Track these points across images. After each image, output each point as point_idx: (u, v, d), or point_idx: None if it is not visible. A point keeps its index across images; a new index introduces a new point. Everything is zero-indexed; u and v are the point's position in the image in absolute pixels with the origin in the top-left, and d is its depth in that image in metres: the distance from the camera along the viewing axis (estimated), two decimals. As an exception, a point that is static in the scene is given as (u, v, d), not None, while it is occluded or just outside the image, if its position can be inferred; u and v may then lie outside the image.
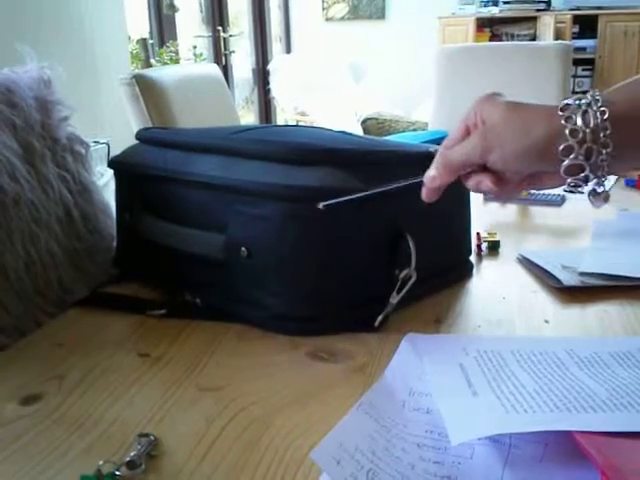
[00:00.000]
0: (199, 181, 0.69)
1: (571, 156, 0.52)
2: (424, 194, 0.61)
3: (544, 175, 0.58)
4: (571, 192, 0.55)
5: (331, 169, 0.64)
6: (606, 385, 0.51)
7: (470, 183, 0.59)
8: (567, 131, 0.52)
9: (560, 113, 0.52)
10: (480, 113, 0.57)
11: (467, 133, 0.58)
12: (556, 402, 0.48)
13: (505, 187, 0.58)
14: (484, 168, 0.58)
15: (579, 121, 0.52)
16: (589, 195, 0.56)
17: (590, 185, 0.55)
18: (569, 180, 0.54)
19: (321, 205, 0.61)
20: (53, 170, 0.79)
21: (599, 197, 0.56)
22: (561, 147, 0.52)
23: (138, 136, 0.81)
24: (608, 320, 0.67)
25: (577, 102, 0.53)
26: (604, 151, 0.52)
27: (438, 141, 1.97)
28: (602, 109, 0.51)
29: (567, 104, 0.53)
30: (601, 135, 0.51)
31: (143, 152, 0.78)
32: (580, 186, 0.54)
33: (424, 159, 0.72)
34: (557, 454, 0.44)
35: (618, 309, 0.70)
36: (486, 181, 0.57)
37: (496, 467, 0.44)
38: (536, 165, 0.56)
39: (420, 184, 0.62)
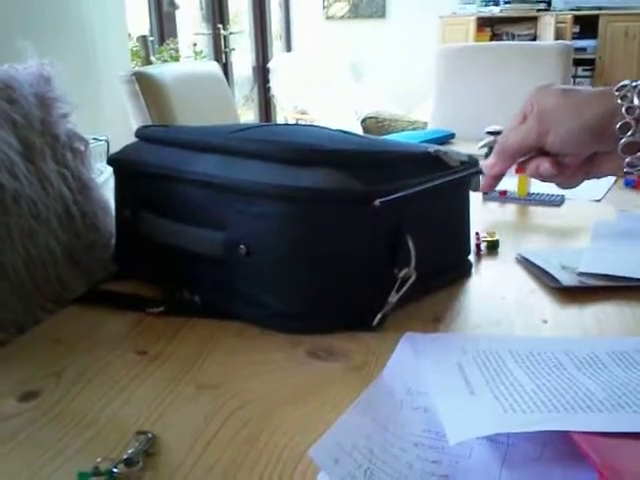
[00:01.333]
0: (198, 180, 0.69)
1: (628, 133, 0.54)
2: (484, 183, 0.63)
3: (602, 159, 0.59)
4: (630, 174, 0.57)
5: (330, 170, 0.64)
6: (604, 385, 0.51)
7: (530, 167, 0.61)
8: (624, 109, 0.54)
9: (616, 93, 0.55)
10: (536, 101, 0.59)
11: (524, 121, 0.60)
12: (554, 402, 0.48)
13: (564, 172, 0.60)
14: (542, 154, 0.59)
15: (636, 100, 0.54)
16: None
17: None
18: (627, 160, 0.55)
19: (377, 202, 0.61)
20: (52, 167, 0.79)
21: None
22: (618, 125, 0.54)
23: (137, 134, 0.81)
24: (606, 320, 0.68)
25: (633, 83, 0.55)
26: None
27: (438, 140, 1.97)
28: None
29: (623, 85, 0.55)
30: None
31: (142, 150, 0.78)
32: (638, 166, 0.56)
33: (423, 159, 0.72)
34: (555, 454, 0.44)
35: (616, 310, 0.70)
36: (545, 164, 0.59)
37: (494, 466, 0.44)
38: (592, 145, 0.57)
39: (421, 184, 0.63)
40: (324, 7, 5.16)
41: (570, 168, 0.60)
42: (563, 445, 0.44)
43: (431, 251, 0.68)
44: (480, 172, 0.72)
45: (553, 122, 0.57)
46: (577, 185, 0.64)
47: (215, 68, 2.10)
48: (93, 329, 0.68)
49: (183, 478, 0.44)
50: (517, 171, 0.67)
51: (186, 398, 0.54)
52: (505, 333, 0.66)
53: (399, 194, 0.62)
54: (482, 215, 1.06)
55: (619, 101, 0.54)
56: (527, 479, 0.42)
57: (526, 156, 0.60)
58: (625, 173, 0.58)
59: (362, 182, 0.64)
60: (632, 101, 0.54)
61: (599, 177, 0.64)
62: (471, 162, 0.75)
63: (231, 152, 0.69)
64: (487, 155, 1.45)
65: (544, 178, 0.62)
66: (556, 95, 0.58)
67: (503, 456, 0.44)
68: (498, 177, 0.63)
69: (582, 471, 0.41)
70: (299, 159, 0.65)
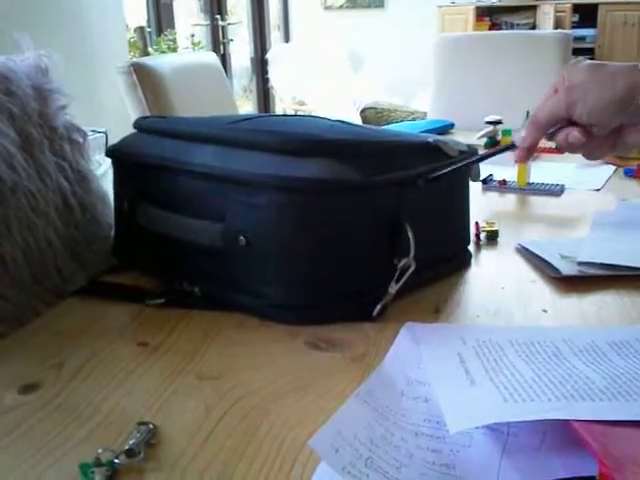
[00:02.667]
0: (196, 171, 0.69)
1: None
2: (516, 156, 0.67)
3: (628, 131, 0.63)
4: None
5: (329, 160, 0.64)
6: (604, 374, 0.51)
7: (560, 137, 0.64)
8: None
9: None
10: (567, 75, 0.63)
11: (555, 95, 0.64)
12: (554, 391, 0.48)
13: (591, 142, 0.63)
14: (571, 124, 0.63)
15: None
16: None
17: None
18: None
19: (421, 182, 0.66)
20: (51, 159, 0.79)
21: None
22: None
23: (136, 125, 0.81)
24: (606, 309, 0.68)
25: None
26: None
27: (437, 130, 1.96)
28: None
29: None
30: None
31: (141, 141, 0.78)
32: None
33: (423, 149, 0.72)
34: (555, 442, 0.44)
35: (616, 299, 0.70)
36: (574, 132, 0.63)
37: (494, 455, 0.44)
38: (618, 116, 0.61)
39: (420, 174, 0.64)
40: (322, -3, 5.13)
41: (597, 139, 0.63)
42: (563, 434, 0.44)
43: (431, 241, 0.68)
44: (479, 160, 0.73)
45: (581, 94, 0.61)
46: (603, 156, 0.68)
47: (213, 59, 2.09)
48: (93, 321, 0.68)
49: (184, 468, 0.44)
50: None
51: (187, 389, 0.54)
52: (505, 323, 0.66)
53: (444, 170, 0.67)
54: (482, 205, 1.06)
55: None
56: (527, 468, 0.42)
57: (556, 127, 0.64)
58: None
59: (361, 172, 0.63)
60: None
61: (625, 150, 0.68)
62: (470, 152, 0.75)
63: (229, 143, 0.68)
64: (487, 145, 1.44)
65: (572, 148, 0.65)
66: (585, 69, 0.62)
67: (503, 445, 0.45)
68: (531, 149, 0.66)
69: (582, 460, 0.42)
70: (297, 149, 0.64)
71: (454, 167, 0.70)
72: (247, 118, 0.77)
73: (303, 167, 0.63)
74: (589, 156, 0.67)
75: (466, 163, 0.72)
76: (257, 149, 0.66)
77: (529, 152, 0.66)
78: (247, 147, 0.67)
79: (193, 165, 0.69)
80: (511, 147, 0.67)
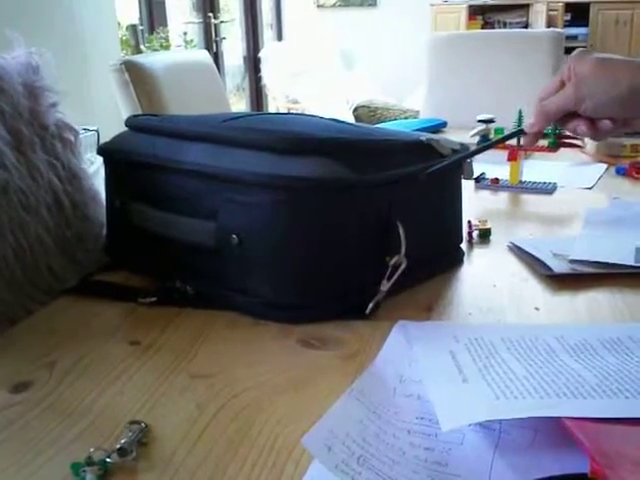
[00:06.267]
0: (188, 169, 0.68)
1: None
2: (525, 140, 0.73)
3: (635, 122, 0.68)
4: None
5: (322, 159, 0.63)
6: (595, 372, 0.51)
7: (569, 126, 0.70)
8: None
9: None
10: (573, 67, 0.67)
11: (561, 86, 0.69)
12: (546, 388, 0.48)
13: (599, 130, 0.68)
14: (577, 114, 0.68)
15: None
16: None
17: None
18: None
19: (414, 179, 0.68)
20: (42, 157, 0.79)
21: None
22: None
23: (127, 123, 0.81)
24: (598, 307, 0.68)
25: None
26: None
27: (430, 129, 1.97)
28: None
29: None
30: None
31: (132, 139, 0.78)
32: None
33: (416, 147, 0.72)
34: (547, 440, 0.44)
35: (608, 296, 0.70)
36: (582, 126, 0.68)
37: (486, 453, 0.44)
38: (624, 112, 0.66)
39: (412, 172, 0.64)
40: (315, -5, 5.12)
41: (605, 128, 0.68)
42: (555, 431, 0.44)
43: (423, 239, 0.68)
44: (473, 155, 0.75)
45: (588, 92, 0.65)
46: (608, 136, 0.73)
47: (206, 57, 2.09)
48: (85, 320, 0.67)
49: (176, 467, 0.44)
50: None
51: (179, 388, 0.54)
52: (497, 321, 0.66)
53: (443, 163, 0.69)
54: (474, 203, 1.06)
55: None
56: (519, 465, 0.42)
57: (561, 116, 0.69)
58: None
59: (354, 170, 0.63)
60: None
61: (632, 131, 0.71)
62: (463, 150, 0.75)
63: (222, 141, 0.68)
64: (479, 143, 1.45)
65: (580, 135, 0.71)
66: (593, 64, 0.66)
67: (495, 442, 0.45)
68: (537, 135, 0.71)
69: (574, 457, 0.42)
70: (291, 148, 0.64)
71: (453, 159, 0.71)
72: (240, 116, 0.77)
73: (295, 165, 0.63)
74: (596, 139, 0.73)
75: (464, 156, 0.73)
76: (250, 147, 0.66)
77: (537, 138, 0.72)
78: (240, 145, 0.67)
79: (185, 163, 0.69)
80: (520, 132, 0.73)
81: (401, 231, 0.65)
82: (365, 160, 0.66)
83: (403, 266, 0.65)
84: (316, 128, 0.72)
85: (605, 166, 1.30)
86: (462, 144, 0.76)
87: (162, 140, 0.73)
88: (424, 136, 0.73)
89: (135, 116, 0.84)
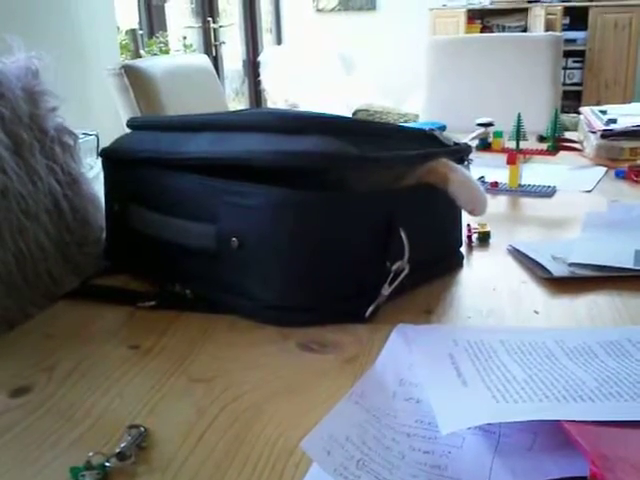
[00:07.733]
0: (193, 159, 0.68)
1: None
2: None
3: None
4: None
5: (328, 137, 0.64)
6: (595, 375, 0.51)
7: None
8: None
9: None
10: None
11: None
12: (545, 392, 0.48)
13: None
14: None
15: None
16: None
17: None
18: None
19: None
20: (42, 161, 0.79)
21: None
22: None
23: (129, 123, 0.81)
24: (597, 310, 0.68)
25: None
26: None
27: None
28: None
29: None
30: None
31: (135, 138, 0.78)
32: None
33: (419, 135, 0.72)
34: (546, 443, 0.44)
35: (607, 299, 0.70)
36: None
37: (486, 456, 0.44)
38: None
39: (416, 156, 0.67)
40: (314, 0, 5.14)
41: None
42: (555, 434, 0.44)
43: (423, 243, 0.68)
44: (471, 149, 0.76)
45: None
46: None
47: (205, 61, 2.09)
48: (84, 324, 0.67)
49: (176, 471, 0.44)
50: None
51: (178, 392, 0.54)
52: (497, 324, 0.66)
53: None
54: (473, 207, 1.06)
55: None
56: (519, 468, 0.42)
57: None
58: None
59: (358, 148, 0.64)
60: None
61: None
62: (464, 146, 0.76)
63: (226, 127, 0.69)
64: (478, 147, 1.45)
65: None
66: None
67: (495, 446, 0.45)
68: None
69: (574, 460, 0.42)
70: (296, 128, 0.65)
71: (450, 149, 0.71)
72: (243, 110, 0.78)
73: (301, 143, 0.63)
74: None
75: (461, 147, 0.73)
76: (255, 130, 0.66)
77: None
78: (244, 129, 0.67)
79: (189, 154, 0.69)
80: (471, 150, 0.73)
81: (404, 237, 0.65)
82: (370, 140, 0.66)
83: (406, 271, 0.65)
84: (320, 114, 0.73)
85: (604, 169, 1.30)
86: (464, 143, 0.77)
87: (165, 134, 0.74)
88: (428, 128, 0.74)
89: (135, 118, 0.85)
